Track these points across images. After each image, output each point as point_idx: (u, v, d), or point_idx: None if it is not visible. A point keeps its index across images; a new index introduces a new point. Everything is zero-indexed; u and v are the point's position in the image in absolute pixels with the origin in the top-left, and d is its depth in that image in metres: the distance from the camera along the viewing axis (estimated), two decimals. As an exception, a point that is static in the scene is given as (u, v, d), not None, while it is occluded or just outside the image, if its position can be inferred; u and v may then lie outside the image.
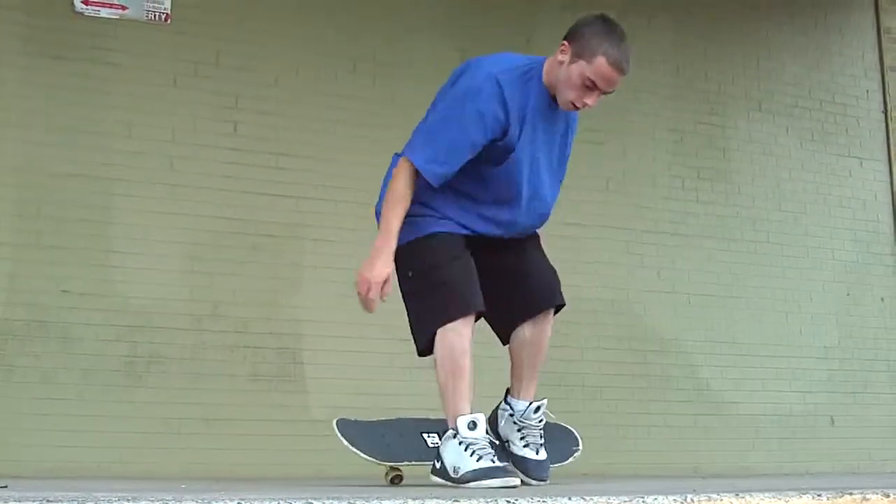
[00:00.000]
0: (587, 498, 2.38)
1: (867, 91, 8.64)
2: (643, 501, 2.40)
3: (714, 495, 2.48)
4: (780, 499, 2.52)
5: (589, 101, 3.67)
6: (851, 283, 8.16)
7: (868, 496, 2.58)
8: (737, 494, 2.49)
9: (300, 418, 6.17)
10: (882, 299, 8.25)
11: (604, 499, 2.38)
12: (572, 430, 4.40)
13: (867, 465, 7.72)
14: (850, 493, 2.58)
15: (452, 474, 3.47)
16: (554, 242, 6.86)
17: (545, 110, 3.73)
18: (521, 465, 3.81)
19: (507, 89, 3.60)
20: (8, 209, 5.91)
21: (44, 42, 6.11)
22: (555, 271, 3.96)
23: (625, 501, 2.39)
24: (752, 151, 8.05)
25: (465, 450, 3.44)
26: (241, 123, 6.45)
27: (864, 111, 8.58)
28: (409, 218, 3.66)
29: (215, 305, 6.19)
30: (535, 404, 3.86)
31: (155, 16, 6.35)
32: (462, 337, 3.54)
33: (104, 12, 6.24)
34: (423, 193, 3.69)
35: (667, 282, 7.47)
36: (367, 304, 3.57)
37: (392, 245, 3.57)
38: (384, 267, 3.54)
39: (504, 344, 3.92)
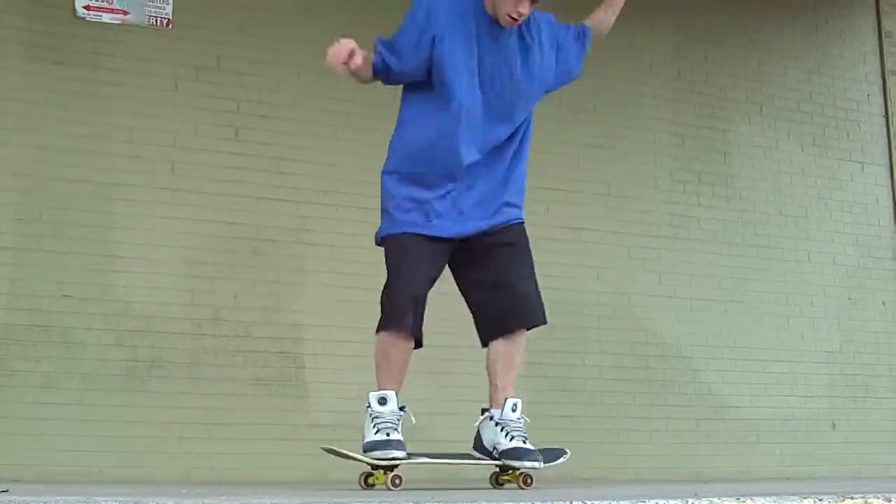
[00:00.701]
0: (588, 502, 2.37)
1: (868, 95, 8.64)
2: (644, 506, 2.40)
3: (715, 499, 2.48)
4: (781, 503, 2.52)
5: (522, 9, 3.91)
6: (853, 287, 8.15)
7: (869, 500, 2.58)
8: (738, 498, 2.49)
9: (301, 423, 6.17)
10: (883, 303, 8.25)
11: (605, 503, 2.38)
12: (557, 447, 4.39)
13: (869, 469, 7.71)
14: (852, 498, 2.58)
15: (362, 443, 3.87)
16: (555, 247, 6.91)
17: (489, 34, 4.02)
18: (513, 455, 3.92)
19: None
20: (9, 213, 5.91)
21: (45, 47, 6.11)
22: (537, 291, 4.13)
23: (626, 506, 2.39)
24: (754, 155, 8.05)
25: (371, 423, 3.85)
26: (242, 128, 6.45)
27: (866, 115, 8.58)
28: (384, 207, 4.12)
29: (216, 310, 6.19)
30: (510, 401, 4.02)
31: (156, 21, 6.35)
32: (395, 345, 3.96)
33: (105, 17, 6.24)
34: (398, 187, 4.08)
35: (668, 286, 7.47)
36: (335, 58, 3.96)
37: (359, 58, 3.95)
38: (350, 42, 3.96)
39: (484, 346, 4.15)
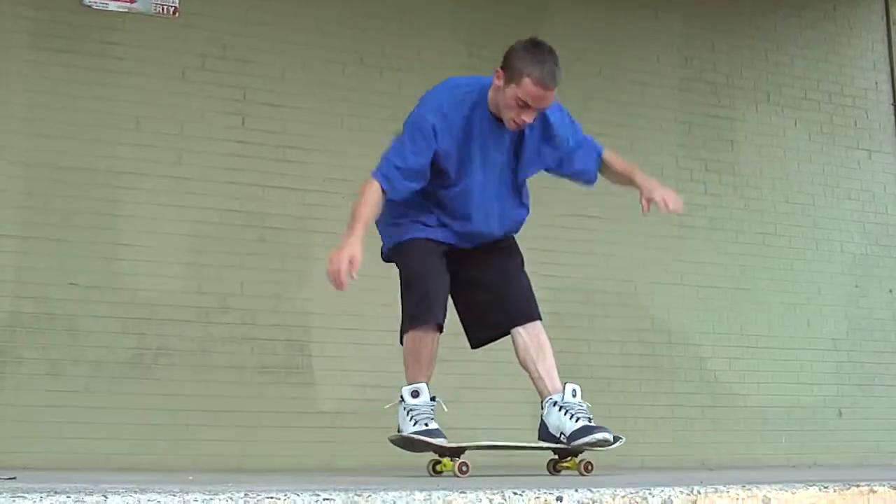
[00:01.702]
0: (594, 489, 2.38)
1: (876, 83, 8.62)
2: (650, 493, 2.40)
3: (721, 487, 2.48)
4: (786, 491, 2.52)
5: (526, 118, 3.98)
6: (859, 275, 8.14)
7: (875, 488, 2.58)
8: (744, 486, 2.49)
9: (308, 410, 6.19)
10: (890, 291, 8.24)
11: (611, 490, 2.38)
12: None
13: (875, 457, 7.71)
14: (857, 486, 2.58)
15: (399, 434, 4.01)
16: (561, 235, 6.91)
17: (492, 135, 4.08)
18: (583, 433, 3.93)
19: (448, 110, 4.04)
20: (16, 202, 5.92)
21: (51, 35, 6.11)
22: (531, 293, 4.24)
23: (632, 493, 2.39)
24: (761, 143, 8.04)
25: (407, 415, 3.97)
26: (248, 116, 6.45)
27: (873, 103, 8.56)
28: (393, 222, 4.20)
29: (223, 298, 6.19)
30: (569, 386, 4.07)
31: (163, 9, 6.35)
32: (424, 342, 4.03)
33: (112, 5, 6.24)
34: (404, 203, 4.12)
35: (675, 274, 7.46)
36: (336, 280, 3.96)
37: (356, 233, 4.02)
38: (350, 249, 3.96)
39: (472, 347, 4.34)
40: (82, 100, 6.12)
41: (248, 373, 6.16)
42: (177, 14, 6.38)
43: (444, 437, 3.89)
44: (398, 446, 4.05)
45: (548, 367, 4.12)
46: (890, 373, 8.07)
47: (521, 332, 4.14)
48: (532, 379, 4.15)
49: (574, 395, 4.04)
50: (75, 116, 6.08)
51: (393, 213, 4.17)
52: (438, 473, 3.96)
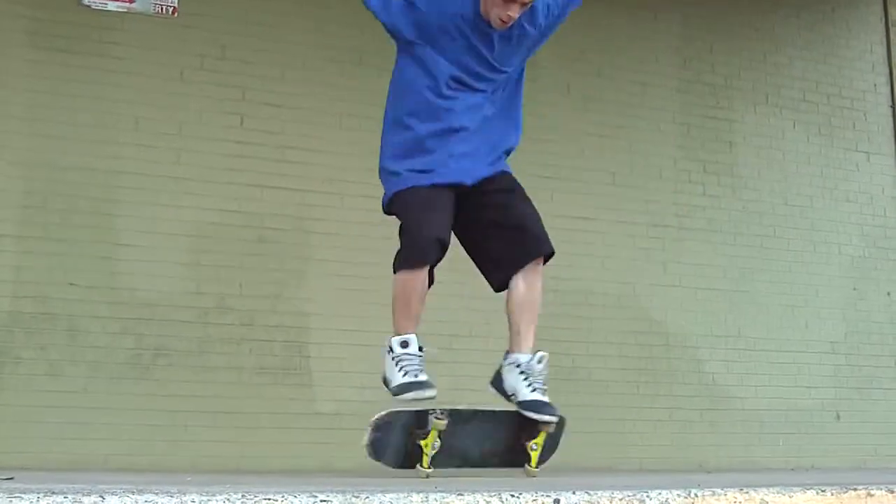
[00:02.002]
0: (591, 492, 2.38)
1: (875, 85, 8.62)
2: (648, 496, 2.40)
3: (718, 490, 2.48)
4: (784, 494, 2.52)
5: (511, 13, 3.96)
6: (858, 277, 8.15)
7: (872, 492, 2.58)
8: (741, 489, 2.50)
9: (306, 411, 6.19)
10: (888, 294, 8.24)
11: (608, 493, 2.38)
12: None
13: (873, 460, 7.72)
14: (855, 489, 2.58)
15: (387, 386, 3.97)
16: (560, 236, 6.88)
17: (481, 33, 4.06)
18: (533, 407, 4.00)
19: None
20: (14, 202, 5.92)
21: (50, 35, 6.11)
22: (540, 220, 4.18)
23: (629, 496, 2.39)
24: (759, 145, 8.04)
25: (396, 365, 3.93)
26: (247, 117, 6.45)
27: (872, 105, 8.57)
28: (391, 173, 4.15)
29: (222, 298, 6.19)
30: (538, 354, 4.08)
31: (162, 9, 6.34)
32: (414, 279, 3.96)
33: (111, 5, 6.23)
34: (399, 151, 4.13)
35: (673, 276, 7.46)
36: None
37: None
38: None
39: (496, 290, 4.21)
40: (81, 100, 6.12)
41: (246, 373, 6.16)
42: (176, 14, 6.37)
43: (434, 388, 3.87)
44: (393, 394, 3.98)
45: (528, 323, 4.12)
46: (888, 376, 8.07)
47: (519, 280, 4.11)
48: (509, 328, 4.14)
49: (540, 362, 4.07)
50: (74, 116, 6.08)
51: (391, 166, 4.15)
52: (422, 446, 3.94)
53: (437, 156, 4.06)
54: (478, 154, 4.11)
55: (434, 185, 4.03)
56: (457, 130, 4.06)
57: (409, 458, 3.95)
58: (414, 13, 4.08)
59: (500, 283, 4.18)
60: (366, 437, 3.91)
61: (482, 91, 4.11)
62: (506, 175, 4.22)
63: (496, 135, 4.18)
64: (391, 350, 3.98)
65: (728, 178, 7.86)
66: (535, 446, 4.09)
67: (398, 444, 3.97)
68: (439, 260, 3.98)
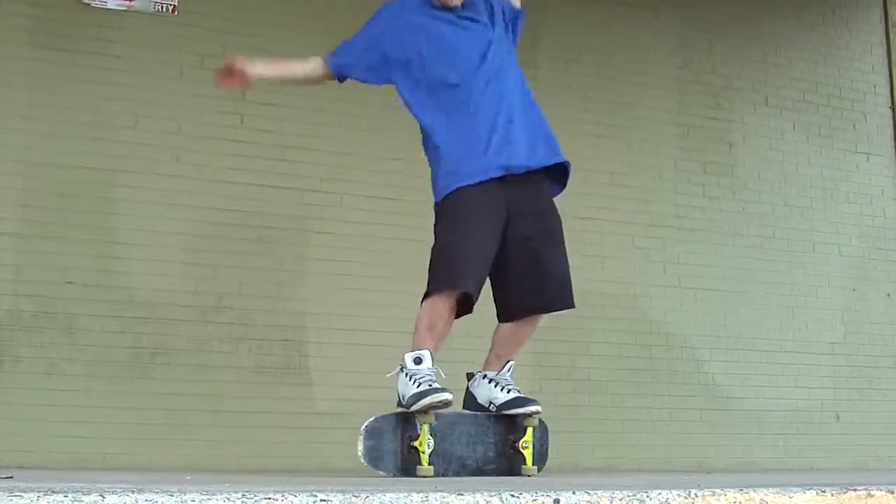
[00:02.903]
0: (591, 492, 2.37)
1: (874, 86, 8.62)
2: (647, 496, 2.40)
3: (718, 491, 2.47)
4: (784, 495, 2.52)
5: None
6: (857, 278, 8.15)
7: (873, 492, 2.57)
8: (741, 490, 2.49)
9: (305, 411, 6.18)
10: (888, 295, 8.24)
11: (608, 493, 2.38)
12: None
13: (873, 461, 7.72)
14: (855, 490, 2.58)
15: (402, 401, 3.93)
16: (559, 236, 6.86)
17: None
18: (513, 404, 4.07)
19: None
20: (14, 200, 5.92)
21: (50, 34, 6.11)
22: (569, 275, 4.22)
23: (629, 496, 2.38)
24: (759, 146, 8.04)
25: (410, 379, 3.90)
26: (247, 116, 6.45)
27: (872, 106, 8.56)
28: (437, 175, 4.09)
29: (220, 297, 6.19)
30: (509, 363, 4.18)
31: (162, 7, 6.34)
32: (444, 305, 3.96)
33: (111, 3, 6.23)
34: (437, 147, 4.09)
35: (672, 276, 7.46)
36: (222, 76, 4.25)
37: (257, 67, 4.31)
38: (250, 65, 4.24)
39: (501, 321, 4.20)
40: (80, 98, 6.11)
41: (245, 373, 6.16)
42: (175, 12, 6.37)
43: (449, 393, 3.85)
44: (407, 408, 3.93)
45: (510, 355, 4.19)
46: (887, 377, 8.07)
47: (525, 321, 4.17)
48: (491, 350, 4.20)
49: (508, 371, 4.15)
50: (73, 115, 6.08)
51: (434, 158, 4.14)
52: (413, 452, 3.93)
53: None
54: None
55: None
56: None
57: (406, 463, 3.92)
58: (382, 42, 4.24)
59: (506, 319, 4.20)
60: (360, 447, 3.88)
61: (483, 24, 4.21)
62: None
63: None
64: (404, 367, 3.96)
65: (727, 179, 7.86)
66: (525, 444, 4.09)
67: (393, 450, 3.94)
68: None
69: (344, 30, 6.77)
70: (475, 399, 4.17)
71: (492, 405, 4.10)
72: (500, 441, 4.14)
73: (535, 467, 4.09)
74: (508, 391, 4.08)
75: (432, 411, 3.85)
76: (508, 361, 4.16)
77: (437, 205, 4.10)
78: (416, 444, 3.89)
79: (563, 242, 4.25)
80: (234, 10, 6.54)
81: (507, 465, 4.11)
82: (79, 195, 6.01)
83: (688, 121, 7.81)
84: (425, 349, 3.96)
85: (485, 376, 4.15)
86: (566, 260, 4.22)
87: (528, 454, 4.08)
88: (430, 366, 3.93)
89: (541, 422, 4.20)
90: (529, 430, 4.09)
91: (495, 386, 4.11)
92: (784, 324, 7.77)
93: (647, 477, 4.23)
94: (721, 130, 7.93)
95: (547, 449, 4.27)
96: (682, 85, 7.86)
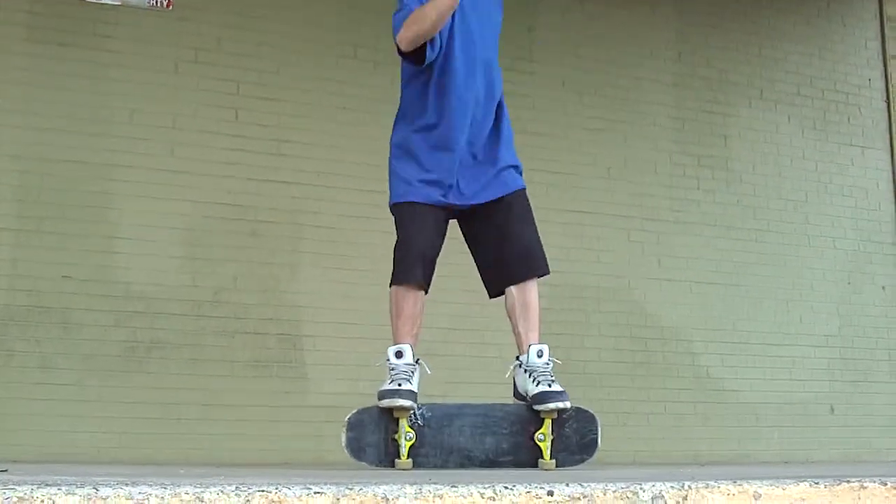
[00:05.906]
0: (585, 484, 2.38)
1: (869, 80, 8.62)
2: (641, 488, 2.40)
3: (712, 483, 2.48)
4: (777, 486, 2.52)
5: None
6: (852, 271, 8.15)
7: (866, 484, 2.58)
8: (734, 482, 2.49)
9: (300, 404, 6.19)
10: (883, 288, 8.25)
11: (602, 485, 2.38)
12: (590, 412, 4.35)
13: (867, 453, 7.73)
14: (848, 482, 2.58)
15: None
16: (554, 229, 6.89)
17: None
18: (540, 399, 4.01)
19: None
20: (9, 195, 5.91)
21: (46, 28, 6.10)
22: (538, 241, 4.24)
23: (623, 488, 2.39)
24: (754, 139, 8.05)
25: (388, 375, 3.99)
26: (242, 110, 6.45)
27: (867, 100, 8.57)
28: (394, 178, 4.20)
29: (216, 291, 6.19)
30: (534, 347, 4.14)
31: (157, 2, 6.34)
32: (406, 297, 4.09)
33: (106, -2, 6.23)
34: (403, 155, 4.16)
35: (667, 269, 7.47)
36: None
37: None
38: None
39: (490, 297, 4.30)
40: (76, 93, 6.11)
41: (240, 366, 6.16)
42: (170, 7, 6.36)
43: (410, 400, 3.88)
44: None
45: (528, 325, 4.19)
46: (882, 369, 8.08)
47: (513, 289, 4.19)
48: (514, 333, 4.22)
49: (540, 356, 4.12)
50: (69, 109, 6.07)
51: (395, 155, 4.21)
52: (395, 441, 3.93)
53: None
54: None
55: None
56: None
57: (388, 455, 3.93)
58: None
59: (494, 293, 4.28)
60: (343, 438, 3.90)
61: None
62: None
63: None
64: (388, 359, 4.05)
65: (722, 172, 7.86)
66: (541, 437, 4.05)
67: (375, 442, 3.95)
68: None
69: (338, 25, 6.81)
70: (517, 389, 4.18)
71: (526, 394, 4.09)
72: (517, 432, 4.10)
73: (553, 461, 4.02)
74: (538, 383, 4.06)
75: (409, 401, 3.88)
76: (531, 345, 4.14)
77: (391, 205, 4.22)
78: (396, 436, 3.91)
79: (528, 211, 4.26)
80: (229, 5, 6.54)
81: (526, 457, 4.06)
82: (74, 189, 6.00)
83: (683, 114, 7.82)
84: (406, 344, 4.06)
85: (520, 364, 4.14)
86: (534, 228, 4.24)
87: (544, 447, 4.04)
88: (409, 360, 4.02)
89: (579, 411, 4.14)
90: (547, 423, 4.05)
91: (529, 376, 4.09)
92: (779, 317, 7.78)
93: (641, 469, 4.24)
94: (716, 124, 7.94)
95: (593, 440, 4.18)
96: (678, 78, 7.86)
